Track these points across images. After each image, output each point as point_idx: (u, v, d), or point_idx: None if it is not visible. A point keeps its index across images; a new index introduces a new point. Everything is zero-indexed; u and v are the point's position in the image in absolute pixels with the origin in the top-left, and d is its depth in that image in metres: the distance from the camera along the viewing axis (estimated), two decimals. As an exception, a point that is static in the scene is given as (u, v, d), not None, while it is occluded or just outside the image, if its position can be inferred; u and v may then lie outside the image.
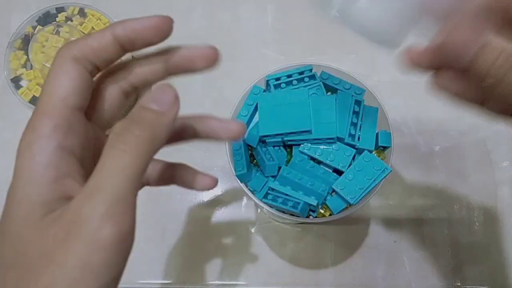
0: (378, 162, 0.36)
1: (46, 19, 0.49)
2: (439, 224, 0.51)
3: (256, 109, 0.38)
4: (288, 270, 0.49)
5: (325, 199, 0.37)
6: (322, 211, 0.38)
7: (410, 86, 0.56)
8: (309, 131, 0.36)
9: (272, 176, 0.38)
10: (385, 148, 0.39)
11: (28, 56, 0.46)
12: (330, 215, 0.37)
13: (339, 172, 0.37)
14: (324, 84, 0.39)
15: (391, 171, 0.37)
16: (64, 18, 0.49)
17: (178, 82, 0.62)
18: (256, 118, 0.39)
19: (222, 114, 0.52)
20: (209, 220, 0.51)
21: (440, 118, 0.55)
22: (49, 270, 0.19)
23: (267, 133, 0.36)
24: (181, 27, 0.59)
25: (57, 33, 0.46)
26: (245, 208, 0.52)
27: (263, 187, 0.37)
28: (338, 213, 0.37)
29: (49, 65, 0.45)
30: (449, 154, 0.53)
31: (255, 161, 0.39)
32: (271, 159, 0.37)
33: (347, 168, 0.36)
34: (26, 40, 0.48)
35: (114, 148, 0.21)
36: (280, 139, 0.37)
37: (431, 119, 0.55)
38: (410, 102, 0.55)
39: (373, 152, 0.38)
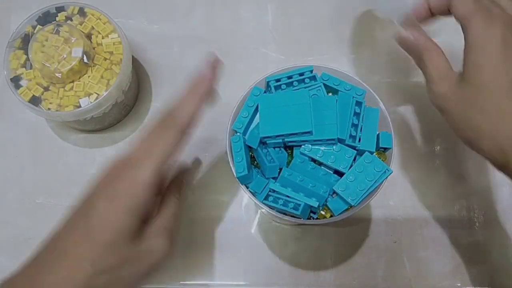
0: (379, 164, 0.36)
1: (46, 18, 0.48)
2: (439, 225, 0.51)
3: (256, 110, 0.38)
4: (288, 270, 0.49)
5: (326, 201, 0.37)
6: (323, 212, 0.38)
7: (411, 86, 0.56)
8: (309, 132, 0.36)
9: (273, 178, 0.38)
10: (386, 149, 0.39)
11: (27, 55, 0.46)
12: (331, 216, 0.37)
13: (340, 174, 0.37)
14: (325, 85, 0.39)
15: (392, 172, 0.37)
16: (64, 18, 0.49)
17: (179, 82, 0.62)
18: (257, 119, 0.39)
19: (222, 114, 0.53)
20: (209, 220, 0.51)
21: (440, 119, 0.54)
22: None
23: (267, 134, 0.36)
24: (181, 27, 0.60)
25: (57, 32, 0.46)
26: (245, 208, 0.52)
27: (263, 188, 0.37)
28: (339, 214, 0.37)
29: (48, 65, 0.45)
30: (450, 154, 0.53)
31: (255, 162, 0.39)
32: (272, 160, 0.37)
33: (348, 170, 0.36)
34: (26, 40, 0.47)
35: None
36: (280, 140, 0.37)
37: (431, 120, 0.55)
38: (410, 102, 0.55)
39: (374, 154, 0.38)
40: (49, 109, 0.46)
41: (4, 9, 0.58)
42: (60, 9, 0.49)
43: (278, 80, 0.39)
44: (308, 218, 0.38)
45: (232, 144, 0.38)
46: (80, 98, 0.46)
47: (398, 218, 0.51)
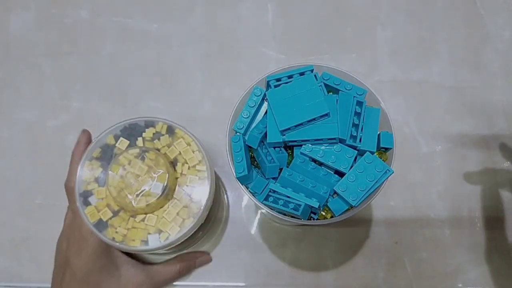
0: (380, 164, 0.36)
1: (132, 131, 0.42)
2: (440, 225, 0.51)
3: (257, 110, 0.38)
4: (288, 271, 0.49)
5: (326, 201, 0.37)
6: (323, 213, 0.37)
7: (411, 86, 0.56)
8: (327, 115, 0.36)
9: (273, 178, 0.37)
10: (387, 149, 0.39)
11: (103, 169, 0.41)
12: (331, 217, 0.37)
13: (341, 174, 0.37)
14: (325, 85, 0.39)
15: (393, 172, 0.36)
16: (151, 135, 0.42)
17: (179, 82, 0.61)
18: (258, 119, 0.38)
19: (222, 114, 0.52)
20: (208, 221, 0.51)
21: (441, 118, 0.54)
22: None
23: (286, 127, 0.36)
24: (181, 26, 0.59)
25: (142, 158, 0.40)
26: (245, 209, 0.52)
27: (264, 189, 0.37)
28: (340, 215, 0.36)
29: (124, 195, 0.39)
30: (451, 154, 0.53)
31: (255, 162, 0.39)
32: (272, 160, 0.37)
33: (349, 170, 0.36)
34: (105, 151, 0.41)
35: None
36: (281, 140, 0.36)
37: (432, 119, 0.54)
38: (411, 102, 0.55)
39: (375, 154, 0.37)
40: (113, 238, 0.40)
41: (3, 9, 0.58)
42: (149, 123, 0.42)
43: (278, 80, 0.39)
44: (308, 219, 0.37)
45: (232, 144, 0.37)
46: (150, 234, 0.40)
47: (399, 219, 0.51)
